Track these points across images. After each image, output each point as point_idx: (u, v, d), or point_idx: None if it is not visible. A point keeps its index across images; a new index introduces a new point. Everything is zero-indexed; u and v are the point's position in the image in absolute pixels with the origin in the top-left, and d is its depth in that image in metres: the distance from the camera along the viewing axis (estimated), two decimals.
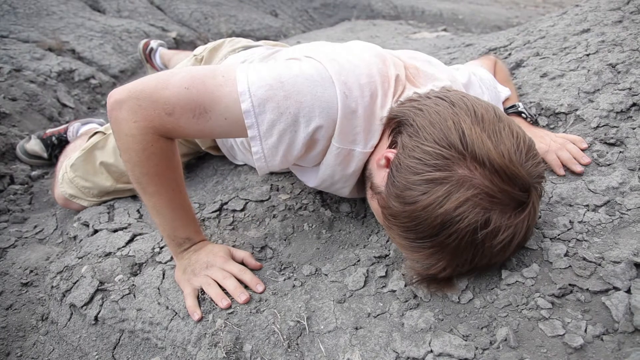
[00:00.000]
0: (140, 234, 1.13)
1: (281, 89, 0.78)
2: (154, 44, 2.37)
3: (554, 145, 1.03)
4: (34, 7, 3.71)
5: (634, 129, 1.04)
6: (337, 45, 0.93)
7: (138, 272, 1.01)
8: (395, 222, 0.73)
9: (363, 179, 0.90)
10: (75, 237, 1.25)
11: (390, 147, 0.79)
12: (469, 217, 0.66)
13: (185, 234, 0.92)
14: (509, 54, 1.63)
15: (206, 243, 0.95)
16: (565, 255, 0.80)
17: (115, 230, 1.17)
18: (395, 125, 0.79)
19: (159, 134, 0.82)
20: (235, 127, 0.81)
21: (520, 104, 1.17)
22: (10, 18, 3.46)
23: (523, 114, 1.15)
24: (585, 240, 0.83)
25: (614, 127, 1.07)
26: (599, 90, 1.21)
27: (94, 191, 1.32)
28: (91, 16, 3.82)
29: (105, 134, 1.32)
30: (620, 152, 0.99)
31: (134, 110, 0.79)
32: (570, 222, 0.87)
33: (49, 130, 1.83)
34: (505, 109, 1.17)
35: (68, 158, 1.38)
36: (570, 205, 0.90)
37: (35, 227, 1.47)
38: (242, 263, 0.93)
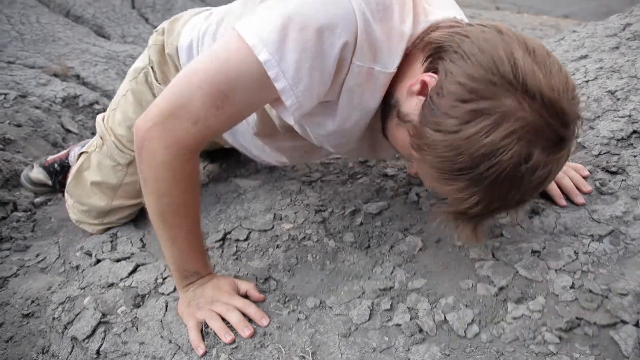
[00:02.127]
0: (143, 264, 1.13)
1: (293, 22, 0.72)
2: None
3: (567, 184, 1.00)
4: (41, 33, 3.78)
5: (635, 156, 1.04)
6: None
7: (141, 303, 1.01)
8: (429, 152, 0.69)
9: (376, 116, 0.86)
10: (77, 267, 1.24)
11: (426, 72, 0.74)
12: (514, 150, 0.64)
13: (194, 268, 0.92)
14: None
15: (212, 277, 0.94)
16: (571, 287, 0.80)
17: (118, 260, 1.17)
18: (433, 51, 0.73)
19: (190, 151, 0.81)
20: (262, 91, 0.77)
21: None
22: (18, 44, 3.52)
23: None
24: (591, 272, 0.82)
25: (615, 154, 1.08)
26: (599, 117, 1.22)
27: (92, 213, 1.32)
28: (96, 42, 3.89)
29: (87, 152, 1.32)
30: (623, 180, 0.99)
31: (163, 136, 0.79)
32: (575, 252, 0.86)
33: (50, 158, 1.84)
34: None
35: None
36: (575, 235, 0.90)
37: (38, 255, 1.47)
38: (246, 295, 0.93)
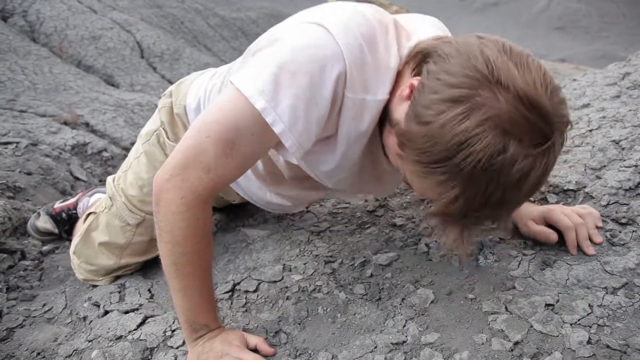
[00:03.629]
0: (152, 316, 1.12)
1: (284, 71, 0.78)
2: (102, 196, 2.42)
3: (577, 219, 1.00)
4: (53, 82, 3.89)
5: None
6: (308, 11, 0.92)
7: (149, 357, 0.99)
8: (410, 146, 0.72)
9: (375, 142, 0.91)
10: (85, 318, 1.23)
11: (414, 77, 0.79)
12: (488, 139, 0.65)
13: (205, 320, 0.91)
14: None
15: (221, 330, 0.93)
16: (588, 342, 0.78)
17: (127, 312, 1.15)
18: (419, 59, 0.79)
19: (204, 201, 0.84)
20: (264, 137, 0.82)
21: None
22: (30, 93, 3.62)
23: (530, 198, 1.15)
24: (607, 326, 0.81)
25: (624, 204, 1.08)
26: (605, 166, 1.23)
27: (100, 272, 1.34)
28: (105, 90, 3.99)
29: (96, 213, 1.34)
30: (634, 231, 0.99)
31: (179, 186, 0.82)
32: (589, 306, 0.85)
33: (57, 206, 1.85)
34: None
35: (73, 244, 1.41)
36: (588, 288, 0.90)
37: (44, 305, 1.45)
38: (256, 349, 0.91)
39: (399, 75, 0.85)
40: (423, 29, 0.90)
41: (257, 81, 0.79)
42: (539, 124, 0.66)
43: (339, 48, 0.78)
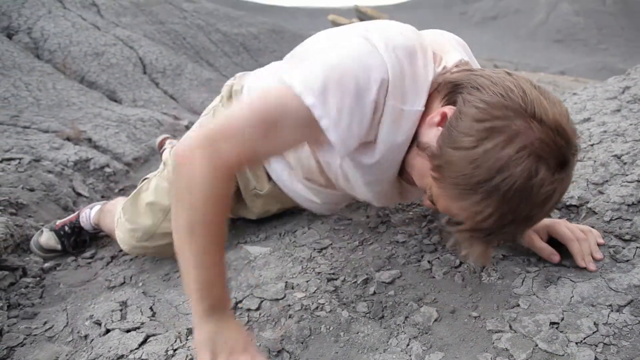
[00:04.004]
0: (153, 335, 1.11)
1: (334, 72, 0.85)
2: (168, 145, 2.46)
3: (580, 234, 1.02)
4: (56, 98, 3.91)
5: None
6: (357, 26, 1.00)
7: None
8: (450, 169, 0.78)
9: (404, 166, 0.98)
10: (86, 337, 1.22)
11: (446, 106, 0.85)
12: (525, 163, 0.73)
13: (219, 294, 0.90)
14: None
15: (234, 319, 0.94)
16: None
17: (128, 330, 1.15)
18: (451, 89, 0.85)
19: (229, 172, 0.88)
20: (307, 130, 0.88)
21: None
22: (34, 109, 3.64)
23: None
24: (613, 344, 0.80)
25: (627, 219, 1.08)
26: (607, 181, 1.23)
27: (138, 233, 1.40)
28: (108, 106, 4.01)
29: (149, 178, 1.46)
30: (638, 247, 0.99)
31: (210, 154, 0.85)
32: (594, 324, 0.85)
33: (59, 221, 1.86)
34: None
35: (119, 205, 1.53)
36: (593, 306, 0.89)
37: (45, 323, 1.45)
38: None
39: (429, 96, 0.91)
40: (451, 53, 0.97)
41: (306, 81, 0.85)
42: (564, 149, 0.75)
43: (382, 59, 0.86)
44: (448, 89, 0.86)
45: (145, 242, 1.42)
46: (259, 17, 9.55)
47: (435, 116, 0.85)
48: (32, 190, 2.24)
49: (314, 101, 0.84)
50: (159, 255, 1.51)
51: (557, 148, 0.74)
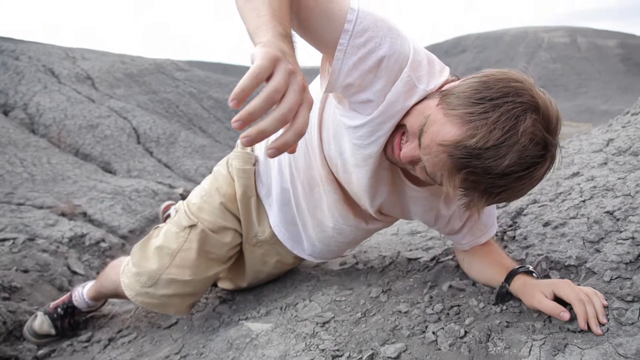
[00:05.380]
0: None
1: (378, 19, 0.96)
2: (172, 211, 2.47)
3: (584, 297, 1.01)
4: (51, 173, 3.94)
5: None
6: None
7: None
8: (459, 90, 0.91)
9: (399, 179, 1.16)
10: None
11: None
12: (526, 97, 0.86)
13: (289, 23, 0.83)
14: (508, 202, 1.70)
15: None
16: None
17: None
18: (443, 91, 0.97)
19: None
20: (336, 22, 0.93)
21: (529, 266, 1.17)
22: (29, 185, 3.66)
23: (534, 274, 1.15)
24: None
25: (627, 278, 1.08)
26: (602, 239, 1.24)
27: (143, 278, 1.43)
28: (103, 178, 4.04)
29: (159, 226, 1.51)
30: None
31: None
32: None
33: (53, 303, 1.82)
34: (515, 271, 1.16)
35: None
36: None
37: None
38: None
39: (423, 100, 1.02)
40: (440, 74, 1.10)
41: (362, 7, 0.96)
42: (553, 120, 0.89)
43: (409, 48, 0.99)
44: (440, 92, 0.98)
45: (150, 288, 1.42)
46: None
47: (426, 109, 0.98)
48: (26, 271, 2.21)
49: (355, 7, 0.93)
50: (163, 309, 1.48)
51: (548, 113, 0.87)
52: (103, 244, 2.77)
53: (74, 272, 2.39)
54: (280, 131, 0.69)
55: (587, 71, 30.95)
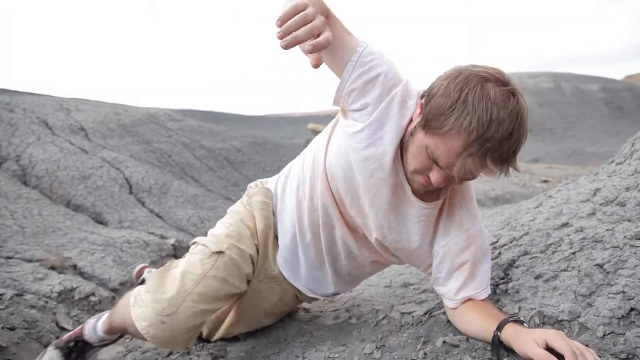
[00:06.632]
0: None
1: (383, 53, 1.22)
2: (147, 274, 2.45)
3: (577, 351, 0.99)
4: (42, 225, 3.91)
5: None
6: None
7: None
8: (431, 113, 1.09)
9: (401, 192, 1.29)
10: None
11: None
12: (476, 79, 1.07)
13: None
14: (499, 253, 1.71)
15: None
16: None
17: None
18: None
19: None
20: (349, 49, 1.18)
21: (520, 316, 1.18)
22: (18, 238, 3.62)
23: (525, 324, 1.15)
24: None
25: (620, 334, 1.08)
26: (594, 292, 1.25)
27: (158, 306, 1.33)
28: (94, 229, 4.02)
29: (174, 260, 1.48)
30: None
31: None
32: None
33: (65, 336, 1.73)
34: (506, 320, 1.17)
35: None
36: None
37: None
38: None
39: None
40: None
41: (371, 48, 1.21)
42: (502, 76, 1.10)
43: (402, 79, 1.23)
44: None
45: (167, 316, 1.31)
46: (242, 130, 10.01)
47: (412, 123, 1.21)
48: (12, 329, 2.16)
49: (361, 50, 1.17)
50: (170, 344, 1.39)
51: (498, 76, 1.08)
52: (93, 298, 2.72)
53: (62, 328, 2.34)
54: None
55: (572, 115, 31.78)
